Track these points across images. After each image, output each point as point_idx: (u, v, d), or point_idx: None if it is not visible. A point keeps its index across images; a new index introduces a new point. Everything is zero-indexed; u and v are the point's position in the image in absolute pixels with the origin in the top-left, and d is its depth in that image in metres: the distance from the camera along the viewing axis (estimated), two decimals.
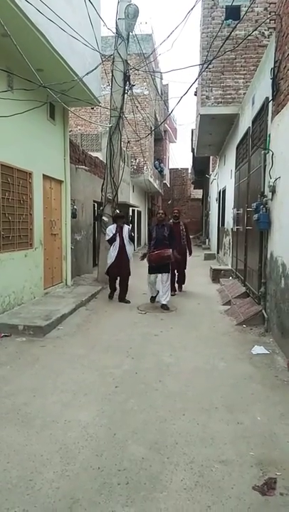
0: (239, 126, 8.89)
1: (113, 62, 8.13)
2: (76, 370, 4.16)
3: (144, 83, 17.61)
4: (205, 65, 8.12)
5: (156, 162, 23.04)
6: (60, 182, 8.29)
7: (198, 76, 8.85)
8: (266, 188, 5.54)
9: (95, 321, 6.18)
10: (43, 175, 7.25)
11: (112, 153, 8.35)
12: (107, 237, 7.57)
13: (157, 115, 21.28)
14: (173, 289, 8.04)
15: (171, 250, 6.92)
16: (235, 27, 7.35)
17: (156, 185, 21.81)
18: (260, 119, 6.20)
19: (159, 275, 6.96)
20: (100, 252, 9.13)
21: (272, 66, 5.28)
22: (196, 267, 11.76)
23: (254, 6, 8.63)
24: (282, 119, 4.82)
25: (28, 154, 6.57)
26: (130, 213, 17.69)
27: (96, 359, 4.49)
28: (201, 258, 15.07)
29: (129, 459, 2.63)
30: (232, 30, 7.21)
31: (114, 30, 8.04)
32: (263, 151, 5.67)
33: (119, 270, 7.42)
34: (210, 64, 8.20)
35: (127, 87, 8.36)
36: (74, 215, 8.91)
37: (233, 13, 8.61)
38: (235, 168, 9.11)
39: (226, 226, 11.65)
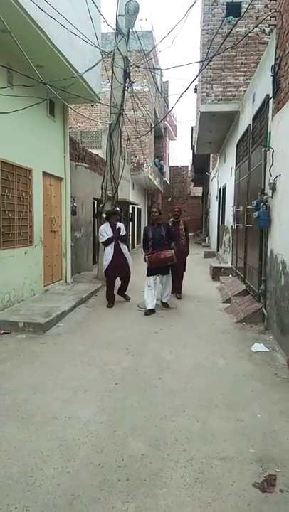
0: (239, 123, 8.88)
1: (113, 58, 8.10)
2: (76, 367, 4.16)
3: (144, 80, 17.56)
4: (205, 62, 8.10)
5: (156, 159, 23.00)
6: (60, 179, 8.27)
7: (199, 73, 8.82)
8: (266, 185, 5.53)
9: (94, 318, 6.19)
10: (43, 172, 7.23)
11: (112, 150, 8.33)
12: (102, 239, 7.05)
13: (157, 112, 21.23)
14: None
15: (172, 251, 6.56)
16: (235, 24, 7.34)
17: (156, 183, 21.78)
18: (261, 116, 6.18)
19: (158, 277, 6.66)
20: (99, 250, 9.12)
21: (273, 63, 5.26)
22: (196, 265, 11.77)
23: (255, 3, 8.59)
24: (283, 117, 4.81)
25: (27, 151, 6.56)
26: (130, 211, 17.68)
27: (96, 356, 4.50)
28: (200, 256, 15.08)
29: (130, 455, 2.63)
30: (232, 27, 7.19)
31: (115, 27, 8.01)
32: (263, 149, 5.66)
33: (118, 271, 7.00)
34: (210, 61, 8.17)
35: (127, 84, 8.33)
36: (74, 213, 8.90)
37: (233, 10, 8.58)
38: (236, 165, 9.10)
39: (225, 224, 11.65)
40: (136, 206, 18.95)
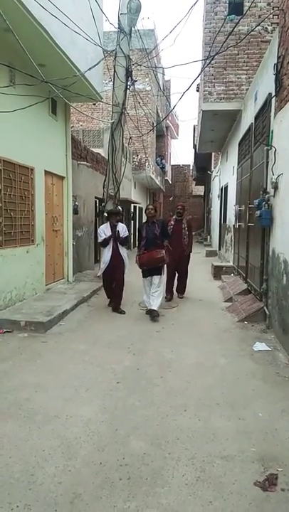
0: (241, 122, 8.86)
1: (115, 57, 8.08)
2: (78, 366, 4.16)
3: (146, 79, 17.54)
4: (207, 61, 8.09)
5: (158, 158, 22.99)
6: (62, 178, 8.28)
7: (201, 72, 8.81)
8: (268, 184, 5.52)
9: (96, 317, 6.19)
10: (45, 171, 7.23)
11: (113, 149, 8.32)
12: (100, 239, 6.68)
13: (159, 111, 21.21)
14: (169, 292, 7.36)
15: (163, 251, 6.10)
16: (238, 22, 7.31)
17: (157, 182, 21.77)
18: (263, 115, 6.17)
19: (152, 278, 6.22)
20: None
21: (276, 62, 5.25)
22: (198, 264, 11.76)
23: (257, 1, 8.57)
24: (285, 115, 4.80)
25: (29, 150, 6.56)
26: (132, 210, 17.67)
27: (97, 355, 4.50)
28: (202, 255, 15.08)
29: (131, 454, 2.64)
30: (235, 26, 7.17)
31: (117, 26, 7.99)
32: (265, 148, 5.65)
33: (114, 274, 6.55)
34: (212, 59, 8.15)
35: (129, 83, 8.31)
36: (76, 211, 8.90)
37: (236, 8, 8.54)
38: (238, 164, 9.08)
39: (227, 223, 11.64)
40: (138, 205, 18.95)
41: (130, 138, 13.26)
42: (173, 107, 19.00)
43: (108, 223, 6.67)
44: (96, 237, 10.92)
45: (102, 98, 8.50)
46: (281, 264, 4.83)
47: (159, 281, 6.24)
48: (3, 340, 4.97)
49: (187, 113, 78.37)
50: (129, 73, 8.18)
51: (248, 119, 7.87)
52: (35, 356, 4.45)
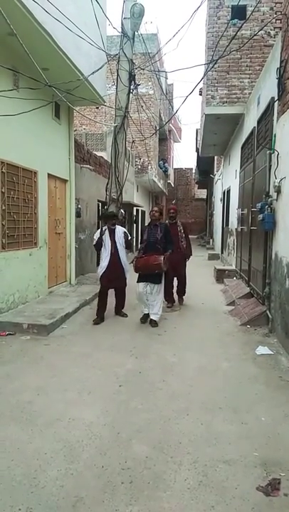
0: (244, 126, 8.87)
1: (118, 61, 8.11)
2: (80, 369, 4.16)
3: (149, 82, 17.60)
4: (210, 65, 8.11)
5: (161, 162, 23.03)
6: (65, 181, 8.30)
7: (204, 76, 8.83)
8: (271, 188, 5.52)
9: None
10: (48, 174, 7.26)
11: (116, 152, 8.34)
12: (94, 242, 6.29)
13: (162, 115, 21.26)
14: (170, 300, 7.11)
15: (161, 257, 5.72)
16: (241, 27, 7.33)
17: (160, 185, 21.79)
18: (266, 119, 6.18)
19: (148, 285, 5.87)
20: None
21: (278, 66, 5.26)
22: (200, 267, 11.75)
23: (260, 6, 8.60)
24: (288, 119, 4.80)
25: (33, 153, 6.59)
26: (134, 213, 17.68)
27: (100, 358, 4.50)
28: (204, 258, 15.07)
29: (133, 458, 2.63)
30: (238, 30, 7.20)
31: (120, 30, 8.03)
32: (268, 151, 5.66)
33: (112, 282, 6.11)
34: (215, 63, 8.18)
35: (132, 87, 8.34)
36: (78, 214, 8.92)
37: (238, 12, 8.58)
38: (240, 168, 9.09)
39: (230, 226, 11.63)
40: (140, 208, 18.97)
41: (133, 141, 13.29)
42: (176, 111, 19.05)
43: (107, 226, 6.23)
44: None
45: (105, 102, 8.53)
46: (284, 268, 4.82)
47: (157, 290, 5.90)
48: (5, 343, 4.97)
49: (190, 117, 78.64)
50: (132, 77, 8.20)
51: (250, 123, 7.89)
52: (38, 359, 4.45)
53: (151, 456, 2.65)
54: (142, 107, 12.45)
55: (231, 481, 2.40)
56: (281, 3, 7.64)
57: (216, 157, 19.10)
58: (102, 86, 8.13)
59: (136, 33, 8.17)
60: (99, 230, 6.39)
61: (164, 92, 21.11)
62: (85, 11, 6.57)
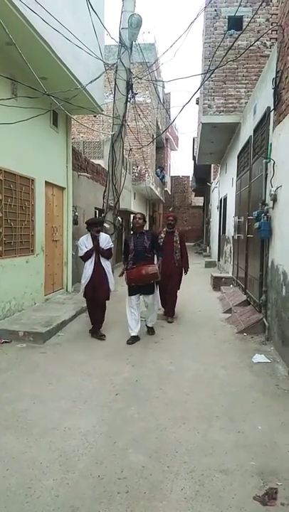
0: (240, 135, 8.95)
1: (116, 70, 8.19)
2: (76, 377, 4.14)
3: (147, 91, 17.75)
4: (207, 75, 8.20)
5: (158, 170, 23.14)
6: (62, 189, 8.33)
7: (201, 85, 8.93)
8: (267, 196, 5.56)
9: None
10: (46, 181, 7.29)
11: (114, 160, 8.39)
12: (80, 253, 5.74)
13: (159, 123, 21.41)
14: (165, 304, 6.78)
15: (156, 266, 5.52)
16: (237, 37, 7.42)
17: (157, 193, 21.88)
18: (262, 128, 6.24)
19: (142, 297, 5.65)
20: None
21: (274, 76, 5.33)
22: (197, 275, 11.76)
23: (256, 17, 8.72)
24: (284, 129, 4.85)
25: (30, 161, 6.61)
26: (131, 220, 17.71)
27: (96, 366, 4.48)
28: (201, 265, 15.09)
29: (129, 467, 2.61)
30: (234, 41, 7.28)
31: (118, 39, 8.12)
32: (264, 160, 5.70)
33: (95, 291, 5.61)
34: (212, 73, 8.27)
35: (129, 96, 8.42)
36: (75, 222, 8.93)
37: (235, 23, 8.70)
38: (237, 176, 9.15)
39: (226, 234, 11.67)
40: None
41: (130, 149, 13.37)
42: (173, 120, 19.21)
43: (89, 234, 5.74)
44: None
45: (102, 110, 8.60)
46: (280, 276, 4.84)
47: (152, 300, 5.72)
48: (1, 351, 4.94)
49: (187, 125, 79.10)
50: (129, 86, 8.29)
51: (247, 132, 7.96)
52: (34, 367, 4.42)
53: (147, 465, 2.63)
54: (139, 115, 12.54)
55: (228, 491, 2.39)
56: (277, 14, 7.74)
57: (212, 165, 19.22)
58: (100, 95, 8.20)
59: (133, 42, 8.26)
60: (83, 238, 5.77)
61: (162, 101, 21.28)
62: (84, 21, 6.65)
